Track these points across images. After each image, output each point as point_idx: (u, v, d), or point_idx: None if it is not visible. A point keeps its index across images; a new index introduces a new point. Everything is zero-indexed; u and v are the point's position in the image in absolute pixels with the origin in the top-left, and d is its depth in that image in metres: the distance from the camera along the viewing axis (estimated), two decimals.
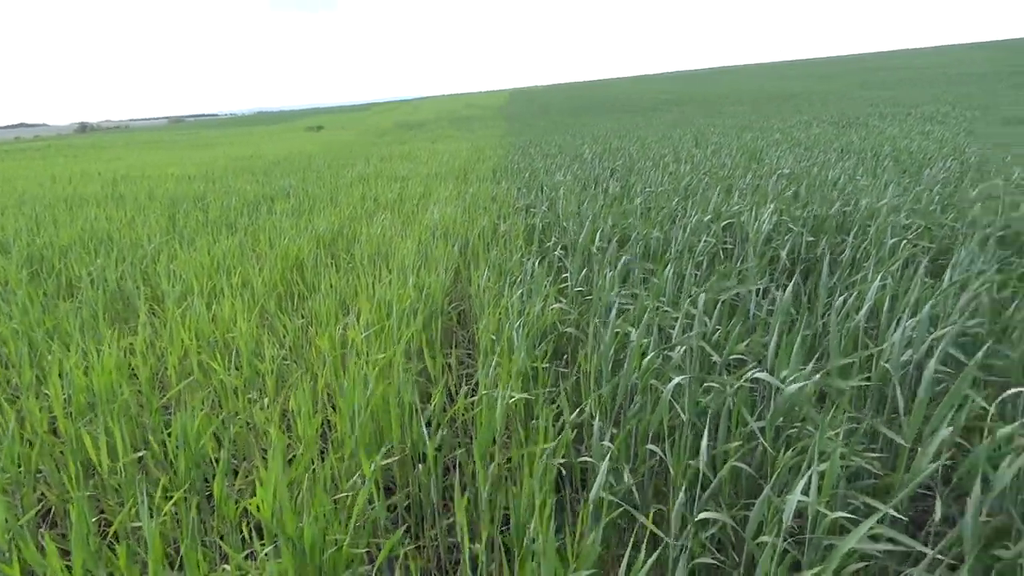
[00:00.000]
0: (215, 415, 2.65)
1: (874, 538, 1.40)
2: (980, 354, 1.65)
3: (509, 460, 2.27)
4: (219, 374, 2.76)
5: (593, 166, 7.69)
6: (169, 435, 2.38)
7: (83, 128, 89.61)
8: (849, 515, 1.36)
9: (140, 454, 2.27)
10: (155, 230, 6.04)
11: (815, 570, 1.29)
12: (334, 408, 2.79)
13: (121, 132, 67.08)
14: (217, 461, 2.40)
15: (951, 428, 1.48)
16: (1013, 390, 1.70)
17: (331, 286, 3.96)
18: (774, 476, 1.51)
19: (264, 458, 2.45)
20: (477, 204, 6.27)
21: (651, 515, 1.67)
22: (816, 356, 2.37)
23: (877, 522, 1.59)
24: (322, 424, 2.73)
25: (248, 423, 2.60)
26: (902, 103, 17.97)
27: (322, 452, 2.69)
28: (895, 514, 1.44)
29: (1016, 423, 1.73)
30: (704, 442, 1.54)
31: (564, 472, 2.23)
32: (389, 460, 2.01)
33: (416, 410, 2.25)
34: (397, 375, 2.48)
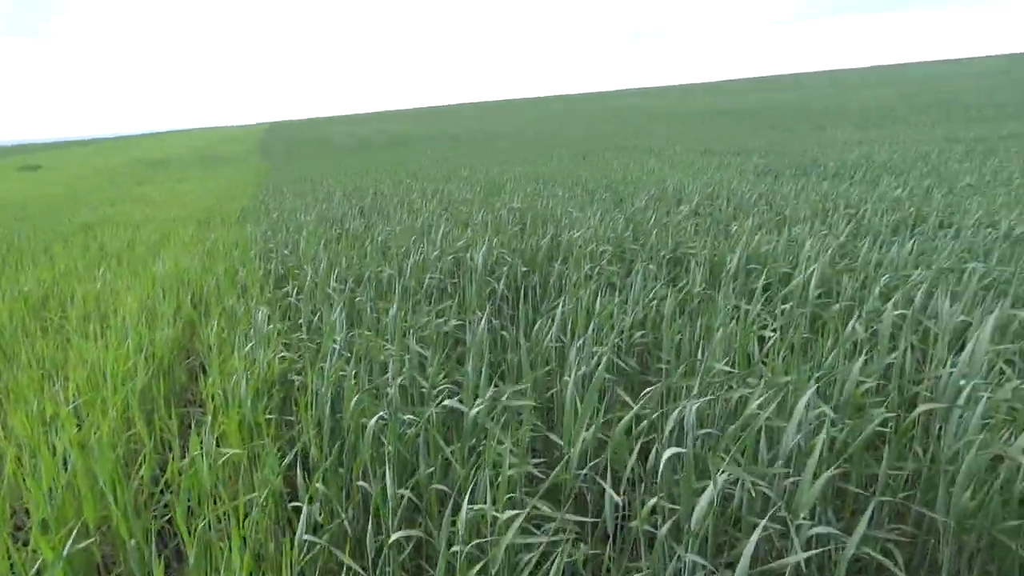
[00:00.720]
0: None
1: (538, 531, 1.66)
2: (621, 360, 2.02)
3: (220, 520, 2.25)
4: None
5: (341, 204, 7.75)
6: None
7: None
8: (515, 514, 1.59)
9: None
10: None
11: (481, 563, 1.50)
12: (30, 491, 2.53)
13: None
14: None
15: (592, 427, 1.80)
16: (650, 389, 2.09)
17: (35, 354, 3.55)
18: (456, 489, 1.71)
19: None
20: (217, 250, 6.01)
21: (347, 549, 1.79)
22: (514, 378, 2.67)
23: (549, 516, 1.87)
24: (14, 512, 2.46)
25: None
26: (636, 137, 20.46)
27: (24, 543, 2.42)
28: (546, 506, 1.71)
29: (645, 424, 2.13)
30: (388, 471, 1.69)
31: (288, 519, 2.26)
32: (87, 541, 1.89)
33: (119, 482, 2.14)
34: (104, 445, 2.33)
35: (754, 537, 1.32)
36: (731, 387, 2.06)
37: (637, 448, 1.79)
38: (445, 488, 1.92)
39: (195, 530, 1.82)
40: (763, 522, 1.38)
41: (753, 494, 1.60)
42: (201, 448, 2.20)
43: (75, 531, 1.91)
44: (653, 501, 1.61)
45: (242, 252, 5.82)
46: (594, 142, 20.29)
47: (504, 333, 3.01)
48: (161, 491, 2.57)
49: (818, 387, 1.97)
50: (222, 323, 3.65)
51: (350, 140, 35.09)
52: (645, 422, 1.98)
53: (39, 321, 4.51)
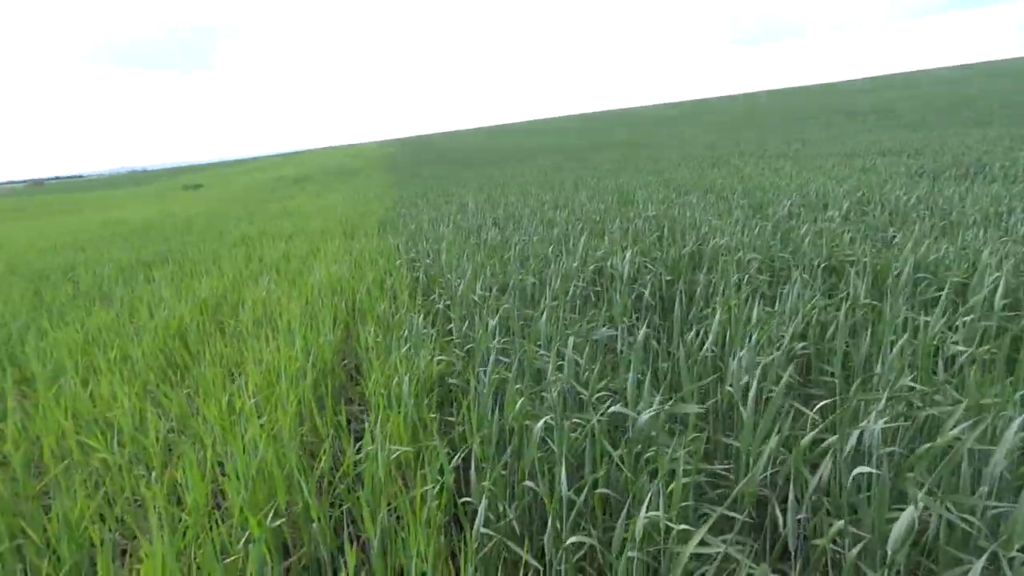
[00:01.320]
0: (98, 495, 2.59)
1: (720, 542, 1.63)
2: (788, 371, 1.96)
3: (394, 511, 2.38)
4: (100, 453, 2.71)
5: (475, 216, 7.98)
6: (50, 520, 2.33)
7: None
8: (691, 527, 1.59)
9: (18, 542, 2.20)
10: (19, 307, 5.71)
11: None
12: (226, 476, 2.80)
13: None
14: (102, 543, 2.36)
15: (777, 436, 1.76)
16: (825, 401, 2.01)
17: (217, 353, 3.93)
18: (630, 497, 1.72)
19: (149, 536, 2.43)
20: (364, 260, 6.37)
21: (526, 546, 1.84)
22: (671, 386, 2.65)
23: (729, 527, 1.84)
24: (214, 494, 2.72)
25: (136, 500, 2.57)
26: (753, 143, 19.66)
27: (218, 521, 2.68)
28: (733, 515, 1.69)
29: (834, 437, 2.04)
30: (562, 472, 1.73)
31: (455, 515, 2.37)
32: (279, 520, 2.07)
33: (304, 470, 2.32)
34: (288, 436, 2.54)
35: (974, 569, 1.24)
36: (916, 405, 1.93)
37: (827, 464, 1.73)
38: (612, 493, 1.94)
39: (378, 518, 1.94)
40: (980, 562, 1.30)
41: (954, 522, 1.50)
42: (374, 442, 2.35)
43: (269, 513, 2.10)
44: (840, 524, 1.55)
45: (387, 261, 6.14)
46: (720, 148, 19.68)
47: (654, 342, 2.99)
48: (336, 482, 2.75)
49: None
50: (377, 328, 3.88)
51: (470, 154, 36.07)
52: (820, 439, 1.90)
53: (216, 323, 4.98)
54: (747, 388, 2.41)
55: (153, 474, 2.65)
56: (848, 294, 3.13)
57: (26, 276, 7.36)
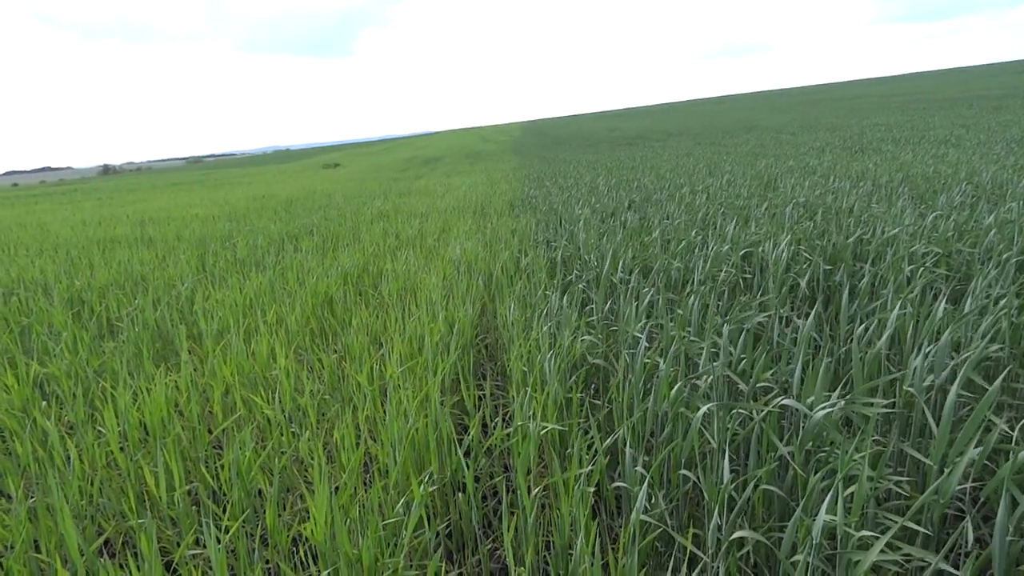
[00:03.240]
0: (261, 448, 2.76)
1: (900, 554, 1.47)
2: (1000, 379, 1.73)
3: (545, 488, 2.35)
4: (263, 409, 2.88)
5: (610, 198, 7.83)
6: (221, 467, 2.50)
7: (106, 170, 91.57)
8: (876, 534, 1.44)
9: (192, 486, 2.38)
10: (186, 270, 6.24)
11: None
12: (374, 440, 2.89)
13: (143, 174, 68.62)
14: (265, 493, 2.50)
15: (979, 449, 1.56)
16: None
17: (362, 322, 4.09)
18: (804, 498, 1.59)
19: (310, 490, 2.55)
20: (497, 238, 6.42)
21: (689, 537, 1.76)
22: (841, 383, 2.45)
23: (907, 542, 1.67)
24: (363, 456, 2.82)
25: (293, 456, 2.71)
26: (907, 128, 18.04)
27: (365, 483, 2.78)
28: (916, 527, 1.52)
29: None
30: (725, 464, 1.62)
31: (597, 499, 2.31)
32: (432, 488, 2.10)
33: (454, 441, 2.35)
34: (434, 407, 2.58)
35: None
36: None
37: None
38: (778, 491, 1.81)
39: (533, 493, 1.92)
40: None
41: None
42: (523, 418, 2.34)
43: (422, 480, 2.14)
44: None
45: (521, 240, 6.16)
46: (868, 133, 18.21)
47: (815, 334, 2.78)
48: (476, 455, 2.78)
49: None
50: (516, 305, 3.88)
51: (592, 138, 35.55)
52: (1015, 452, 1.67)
53: (359, 293, 5.20)
54: (929, 390, 2.18)
55: (307, 433, 2.78)
56: None
57: (191, 243, 8.03)
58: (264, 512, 2.40)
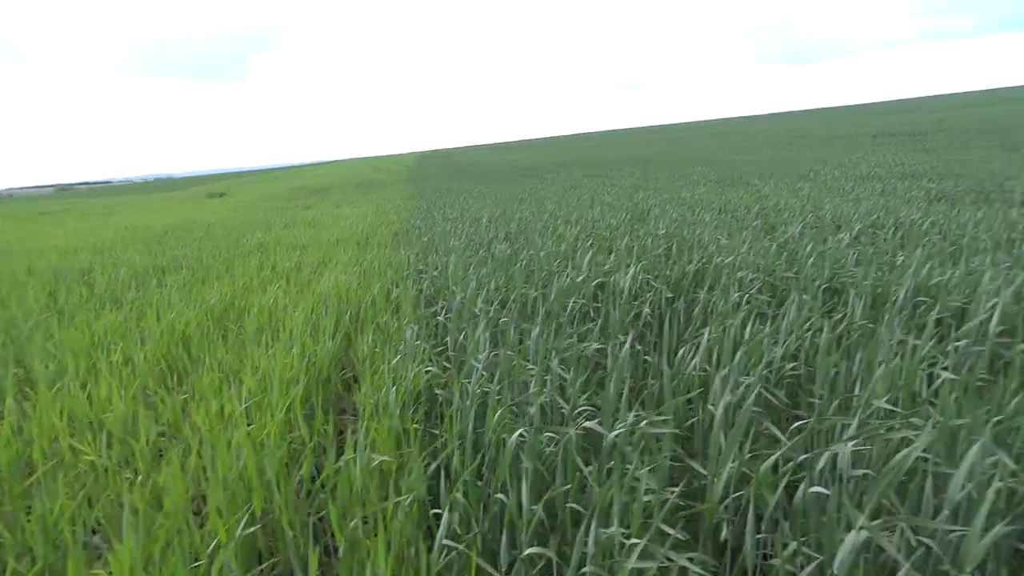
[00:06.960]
0: (78, 496, 2.62)
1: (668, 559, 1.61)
2: (755, 390, 1.93)
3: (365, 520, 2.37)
4: (88, 455, 2.74)
5: (488, 229, 8.00)
6: (29, 520, 2.35)
7: None
8: (648, 542, 1.56)
9: None
10: (33, 308, 5.82)
11: None
12: (207, 480, 2.81)
13: (2, 202, 63.42)
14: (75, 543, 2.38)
15: (738, 458, 1.73)
16: (800, 423, 1.98)
17: (215, 360, 3.97)
18: (595, 511, 1.70)
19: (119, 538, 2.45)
20: (373, 270, 6.41)
21: (498, 558, 1.83)
22: (655, 404, 2.62)
23: (688, 549, 1.81)
24: (196, 498, 2.74)
25: (120, 503, 2.59)
26: (775, 163, 19.52)
27: (195, 525, 2.69)
28: (670, 531, 1.66)
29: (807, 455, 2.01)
30: (524, 487, 1.72)
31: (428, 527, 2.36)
32: (253, 527, 2.08)
33: (283, 477, 2.33)
34: (273, 445, 2.55)
35: None
36: (893, 427, 1.89)
37: (783, 485, 1.70)
38: (579, 508, 1.92)
39: (348, 526, 1.94)
40: None
41: (913, 544, 1.46)
42: (355, 451, 2.35)
43: (243, 521, 2.11)
44: (794, 544, 1.52)
45: (396, 272, 6.17)
46: (739, 168, 19.54)
47: (648, 358, 2.96)
48: (318, 489, 2.76)
49: (995, 433, 1.77)
50: (375, 338, 3.89)
51: (487, 168, 36.15)
52: (793, 460, 1.87)
53: (220, 330, 5.03)
54: (728, 408, 2.38)
55: (140, 478, 2.67)
56: (844, 315, 3.09)
57: (43, 278, 7.51)
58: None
